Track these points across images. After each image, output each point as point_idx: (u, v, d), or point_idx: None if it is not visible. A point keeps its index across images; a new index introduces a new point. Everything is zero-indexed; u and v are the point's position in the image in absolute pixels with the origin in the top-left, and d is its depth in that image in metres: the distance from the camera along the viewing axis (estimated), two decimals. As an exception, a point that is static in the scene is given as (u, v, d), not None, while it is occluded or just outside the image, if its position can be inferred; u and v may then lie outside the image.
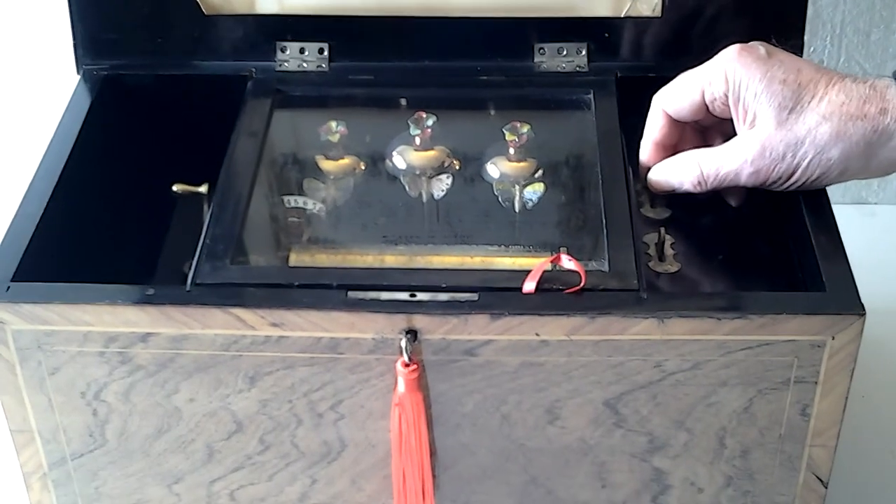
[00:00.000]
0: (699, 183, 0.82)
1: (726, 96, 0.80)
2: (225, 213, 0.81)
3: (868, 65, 1.12)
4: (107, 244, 0.88)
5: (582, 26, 0.94)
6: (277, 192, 0.91)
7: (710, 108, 0.82)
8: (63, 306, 0.74)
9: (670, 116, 0.84)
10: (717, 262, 0.83)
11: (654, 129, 0.85)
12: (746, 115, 0.79)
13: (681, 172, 0.83)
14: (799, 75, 0.78)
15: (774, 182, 0.79)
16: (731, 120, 0.81)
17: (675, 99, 0.83)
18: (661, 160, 0.85)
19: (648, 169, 0.86)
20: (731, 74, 0.79)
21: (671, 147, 0.85)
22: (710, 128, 0.86)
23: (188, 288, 0.75)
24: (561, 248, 0.84)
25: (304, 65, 0.95)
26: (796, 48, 0.93)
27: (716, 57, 0.81)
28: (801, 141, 0.77)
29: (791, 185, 0.79)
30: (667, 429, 0.76)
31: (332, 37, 0.95)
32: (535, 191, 0.90)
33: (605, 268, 0.76)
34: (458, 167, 0.92)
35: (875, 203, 1.21)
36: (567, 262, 0.76)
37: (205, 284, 0.76)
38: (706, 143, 0.86)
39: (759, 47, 0.80)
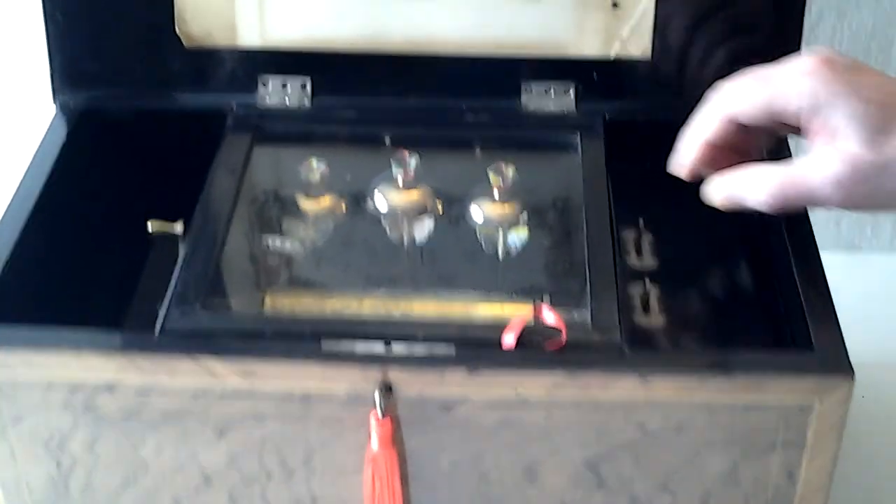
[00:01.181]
0: (776, 200, 0.74)
1: (801, 108, 0.72)
2: (197, 255, 0.79)
3: (863, 107, 1.10)
4: (79, 284, 0.86)
5: (570, 67, 0.92)
6: (254, 232, 0.89)
7: (779, 117, 0.74)
8: (26, 352, 0.71)
9: (729, 118, 0.76)
10: (703, 316, 0.80)
11: (707, 127, 0.77)
12: (828, 132, 0.72)
13: (756, 188, 0.75)
14: (887, 94, 0.71)
15: (861, 205, 0.73)
16: (790, 127, 0.75)
17: (738, 102, 0.75)
18: (708, 161, 0.78)
19: (689, 168, 0.79)
20: (810, 88, 0.72)
21: (719, 149, 0.78)
22: (755, 130, 0.78)
23: (156, 335, 0.73)
24: (542, 297, 0.82)
25: (286, 100, 0.93)
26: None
27: (791, 64, 0.74)
28: (893, 163, 0.71)
29: (878, 208, 0.74)
30: (649, 491, 0.73)
31: (314, 72, 0.93)
32: (519, 235, 0.88)
33: (588, 320, 0.74)
34: (440, 209, 0.90)
35: (868, 250, 1.18)
36: (548, 316, 0.73)
37: (173, 331, 0.73)
38: (750, 145, 0.79)
39: (840, 58, 0.73)
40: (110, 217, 0.91)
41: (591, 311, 0.74)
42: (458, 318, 0.81)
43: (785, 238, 0.80)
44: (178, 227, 0.88)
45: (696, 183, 0.92)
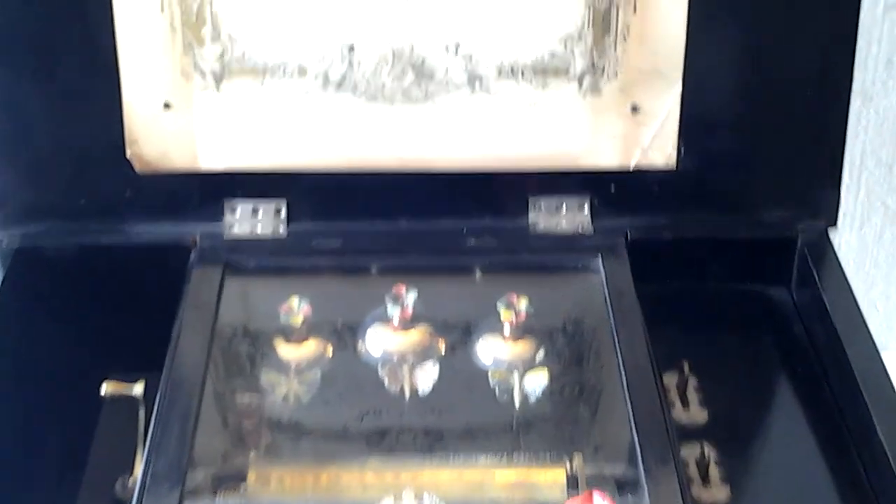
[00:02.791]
0: None
1: None
2: (168, 438, 0.67)
3: (890, 200, 1.00)
4: (22, 457, 0.74)
5: (584, 179, 0.82)
6: (231, 392, 0.76)
7: None
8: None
9: None
10: (771, 481, 0.69)
11: None
12: None
13: None
14: None
15: None
16: None
17: None
18: None
19: None
20: None
21: None
22: None
23: (124, 551, 0.60)
24: (574, 459, 0.70)
25: (258, 228, 0.81)
26: (832, 201, 0.81)
27: None
28: None
29: None
30: None
31: (289, 194, 0.83)
32: (536, 379, 0.76)
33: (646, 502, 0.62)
34: (443, 350, 0.78)
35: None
36: (600, 503, 0.61)
37: (147, 544, 0.60)
38: None
39: None
40: (56, 376, 0.79)
41: (648, 491, 0.62)
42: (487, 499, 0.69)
43: (854, 373, 0.69)
44: (138, 389, 0.75)
45: (729, 307, 0.83)
